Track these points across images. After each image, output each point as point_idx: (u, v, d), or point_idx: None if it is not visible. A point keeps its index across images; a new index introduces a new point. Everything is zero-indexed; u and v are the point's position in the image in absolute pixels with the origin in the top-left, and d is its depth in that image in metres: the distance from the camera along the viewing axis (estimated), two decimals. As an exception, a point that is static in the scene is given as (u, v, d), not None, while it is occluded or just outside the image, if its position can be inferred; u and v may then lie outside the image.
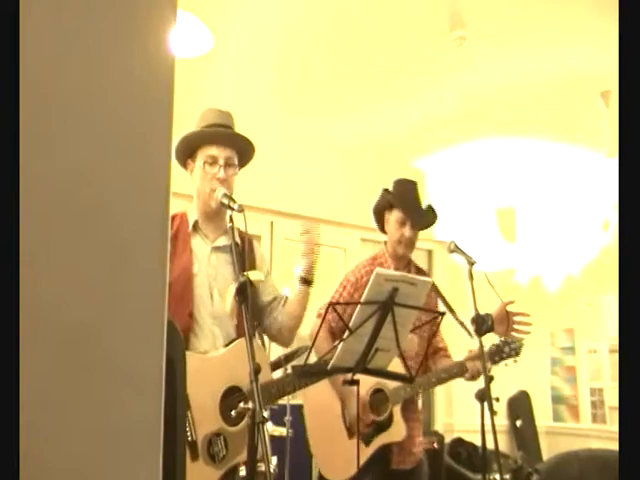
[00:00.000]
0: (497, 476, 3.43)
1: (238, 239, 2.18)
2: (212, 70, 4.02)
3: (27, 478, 0.66)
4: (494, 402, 2.42)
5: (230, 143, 2.26)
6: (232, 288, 2.03)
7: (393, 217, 2.86)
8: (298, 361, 3.12)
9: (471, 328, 2.61)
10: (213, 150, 2.23)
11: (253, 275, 2.08)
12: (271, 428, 3.38)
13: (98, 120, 0.74)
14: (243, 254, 2.15)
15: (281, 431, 3.47)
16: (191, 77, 3.73)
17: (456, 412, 5.73)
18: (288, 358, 3.18)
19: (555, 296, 6.12)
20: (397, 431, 2.75)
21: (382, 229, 2.94)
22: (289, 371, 2.90)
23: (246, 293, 1.94)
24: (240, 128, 2.33)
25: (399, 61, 4.03)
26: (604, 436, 5.36)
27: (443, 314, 2.36)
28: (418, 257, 5.63)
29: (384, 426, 2.74)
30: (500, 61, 4.04)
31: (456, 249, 2.71)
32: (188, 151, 2.27)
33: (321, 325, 2.38)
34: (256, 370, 1.83)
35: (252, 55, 3.97)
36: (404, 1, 3.47)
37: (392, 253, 2.88)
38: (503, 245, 6.07)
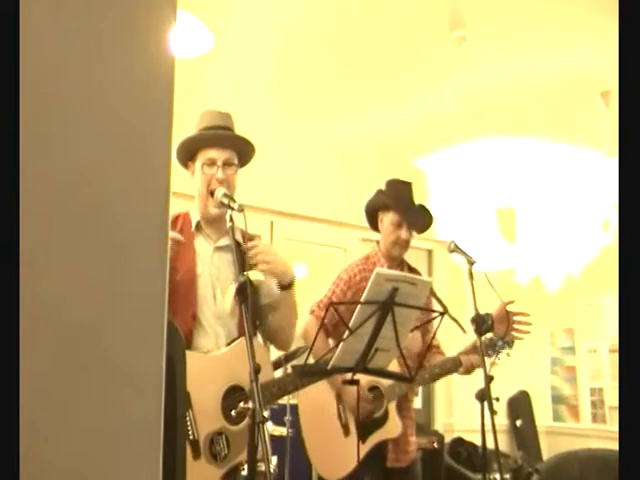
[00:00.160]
0: (497, 476, 3.42)
1: (240, 239, 2.18)
2: (212, 70, 4.02)
3: (27, 478, 0.66)
4: (494, 402, 2.43)
5: (229, 145, 2.26)
6: (232, 288, 2.03)
7: (388, 218, 2.86)
8: (298, 361, 3.12)
9: (470, 327, 2.61)
10: (212, 153, 2.23)
11: (253, 275, 2.09)
12: (271, 428, 3.39)
13: (98, 120, 0.74)
14: (244, 254, 2.15)
15: (281, 431, 3.48)
16: (191, 77, 3.74)
17: (456, 412, 5.74)
18: (288, 358, 3.18)
19: (555, 296, 6.12)
20: (393, 427, 2.77)
21: (375, 228, 2.95)
22: (289, 371, 2.90)
23: (246, 293, 1.94)
24: (240, 128, 2.33)
25: (399, 61, 4.03)
26: (604, 436, 5.36)
27: (443, 314, 2.36)
28: (418, 257, 5.66)
29: (380, 422, 2.75)
30: (500, 61, 4.04)
31: (456, 249, 2.71)
32: (188, 154, 2.27)
33: (321, 326, 2.38)
34: (256, 370, 1.82)
35: (252, 55, 3.97)
36: (404, 1, 3.48)
37: (385, 253, 2.88)
38: (503, 245, 6.08)
